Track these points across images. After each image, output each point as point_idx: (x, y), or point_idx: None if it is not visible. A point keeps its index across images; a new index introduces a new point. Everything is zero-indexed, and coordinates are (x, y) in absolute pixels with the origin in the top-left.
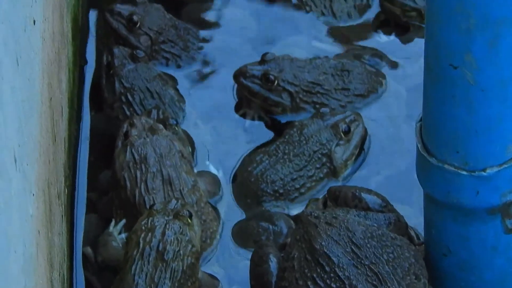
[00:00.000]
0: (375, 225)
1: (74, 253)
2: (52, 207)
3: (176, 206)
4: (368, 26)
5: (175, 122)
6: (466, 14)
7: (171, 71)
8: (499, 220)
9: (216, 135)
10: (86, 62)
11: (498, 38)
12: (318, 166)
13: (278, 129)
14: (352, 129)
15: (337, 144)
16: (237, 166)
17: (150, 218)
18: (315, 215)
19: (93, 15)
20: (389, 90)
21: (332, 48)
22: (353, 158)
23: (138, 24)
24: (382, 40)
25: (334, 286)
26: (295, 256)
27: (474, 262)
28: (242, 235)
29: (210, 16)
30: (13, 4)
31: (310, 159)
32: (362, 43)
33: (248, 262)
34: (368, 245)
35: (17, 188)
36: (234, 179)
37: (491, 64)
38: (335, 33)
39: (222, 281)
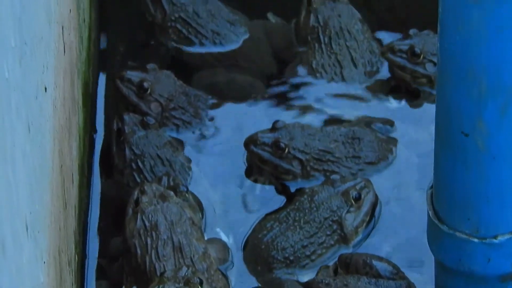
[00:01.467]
0: None
1: None
2: (63, 274)
3: (186, 274)
4: (378, 92)
5: (185, 189)
6: (477, 80)
7: (181, 138)
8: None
9: (227, 202)
10: (96, 128)
11: (509, 105)
12: (328, 233)
13: (289, 195)
14: (362, 196)
15: (348, 211)
16: (248, 233)
17: (161, 286)
18: (326, 282)
19: (103, 81)
20: (400, 156)
21: (342, 114)
22: (364, 225)
23: (149, 90)
24: (392, 106)
25: None
26: None
27: None
28: None
29: (220, 83)
30: (25, 72)
31: (321, 226)
32: (372, 109)
33: None
34: None
35: (28, 256)
36: (245, 246)
37: (503, 131)
38: (346, 100)
39: None
